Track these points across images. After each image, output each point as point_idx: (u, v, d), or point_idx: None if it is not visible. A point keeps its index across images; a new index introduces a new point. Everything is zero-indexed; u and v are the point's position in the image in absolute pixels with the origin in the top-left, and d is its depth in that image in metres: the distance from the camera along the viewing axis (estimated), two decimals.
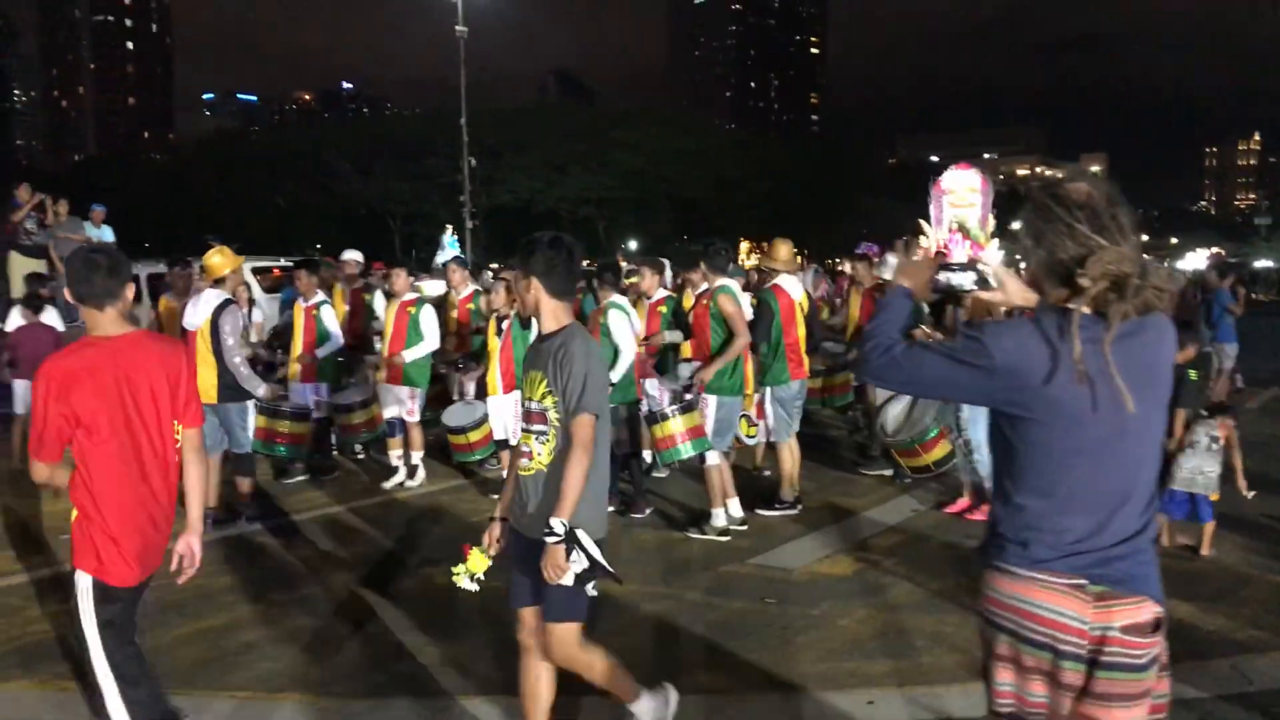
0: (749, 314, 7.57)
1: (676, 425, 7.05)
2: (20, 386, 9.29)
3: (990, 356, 2.38)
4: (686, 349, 8.66)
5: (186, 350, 4.00)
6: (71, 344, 3.48)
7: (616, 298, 7.76)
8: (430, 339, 8.73)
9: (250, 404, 7.51)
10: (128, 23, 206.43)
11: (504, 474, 8.17)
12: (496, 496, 7.86)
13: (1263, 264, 71.71)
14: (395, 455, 8.85)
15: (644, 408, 8.43)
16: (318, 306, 9.06)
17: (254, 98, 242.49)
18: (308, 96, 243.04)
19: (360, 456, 9.89)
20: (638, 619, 5.50)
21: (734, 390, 7.37)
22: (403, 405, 8.72)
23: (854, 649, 5.06)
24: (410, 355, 8.59)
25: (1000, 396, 2.43)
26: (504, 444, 8.28)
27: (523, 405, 3.75)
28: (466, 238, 37.37)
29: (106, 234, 15.59)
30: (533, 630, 3.71)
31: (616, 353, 7.45)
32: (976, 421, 7.36)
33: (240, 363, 7.26)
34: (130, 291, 3.51)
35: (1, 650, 5.12)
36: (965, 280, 2.72)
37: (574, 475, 3.47)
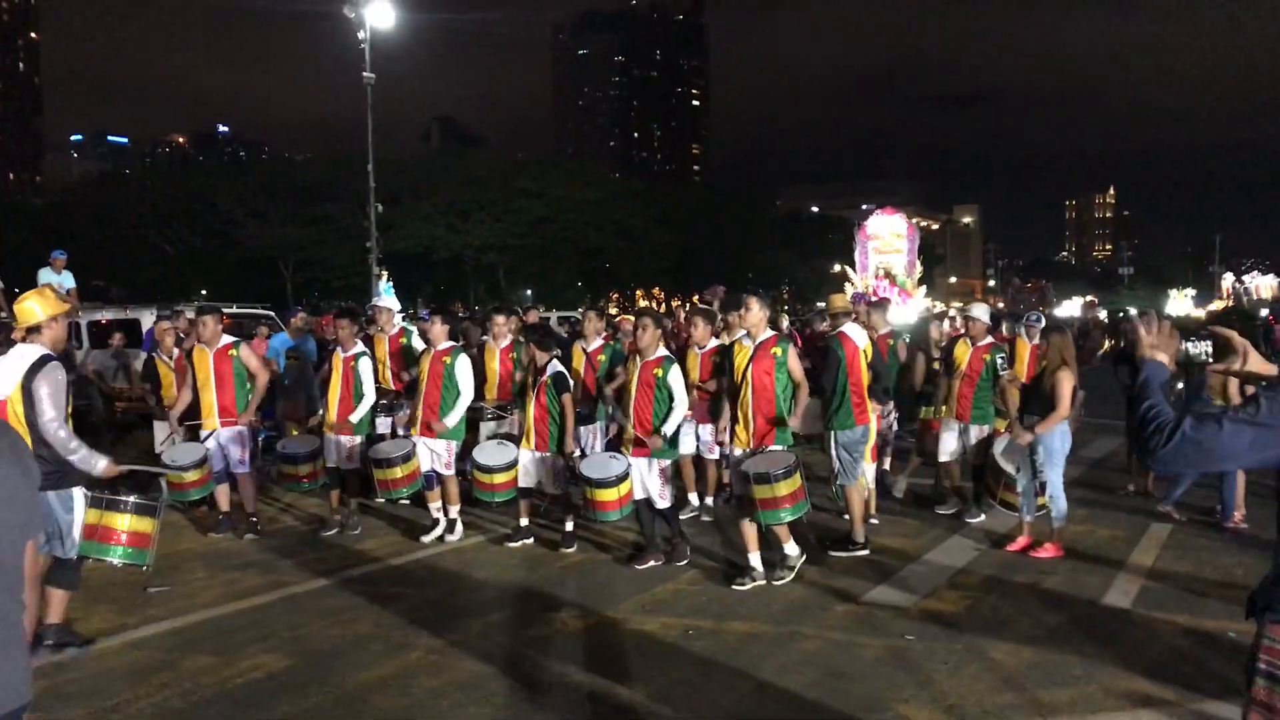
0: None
1: (782, 489, 6.86)
2: None
3: None
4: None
5: None
6: None
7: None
8: (466, 392, 8.66)
9: (78, 493, 5.71)
10: None
11: (521, 522, 8.42)
12: (568, 550, 7.99)
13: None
14: (434, 508, 8.73)
15: (696, 449, 8.92)
16: (356, 358, 8.91)
17: (125, 139, 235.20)
18: (181, 140, 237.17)
19: (405, 502, 9.71)
20: (802, 657, 5.63)
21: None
22: (439, 458, 8.60)
23: (1024, 679, 5.29)
24: (451, 420, 8.54)
25: None
26: (527, 492, 8.40)
27: None
28: (372, 284, 36.86)
29: (68, 280, 15.14)
30: None
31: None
32: (1054, 465, 7.73)
33: (67, 437, 5.50)
34: None
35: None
36: (1202, 349, 2.86)
37: None
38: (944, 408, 9.34)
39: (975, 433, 9.07)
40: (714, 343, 8.93)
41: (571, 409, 8.27)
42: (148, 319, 16.93)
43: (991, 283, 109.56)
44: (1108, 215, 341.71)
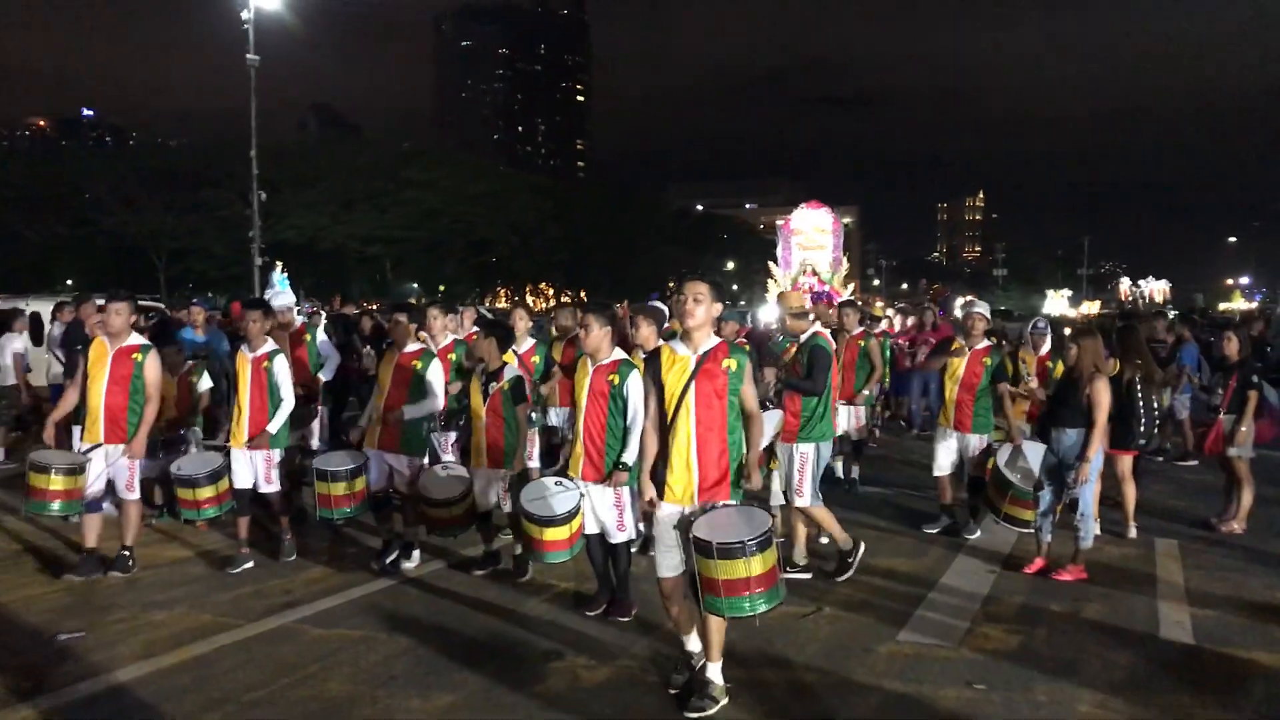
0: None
1: (756, 565, 4.61)
2: None
3: None
4: None
5: None
6: None
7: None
8: (435, 398, 7.59)
9: None
10: None
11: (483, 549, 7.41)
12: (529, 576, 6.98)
13: None
14: (385, 530, 7.64)
15: None
16: (270, 358, 7.62)
17: None
18: (42, 123, 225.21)
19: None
20: (872, 715, 4.81)
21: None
22: (401, 476, 7.54)
23: None
24: (411, 412, 7.44)
25: None
26: (485, 517, 7.31)
27: None
28: (255, 275, 35.10)
29: None
30: None
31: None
32: (1090, 484, 7.11)
33: None
34: None
35: None
36: None
37: None
38: (940, 417, 8.69)
39: (975, 443, 8.42)
40: (661, 344, 7.97)
41: (525, 422, 7.20)
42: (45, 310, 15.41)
43: (876, 282, 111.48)
44: (977, 218, 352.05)
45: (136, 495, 7.39)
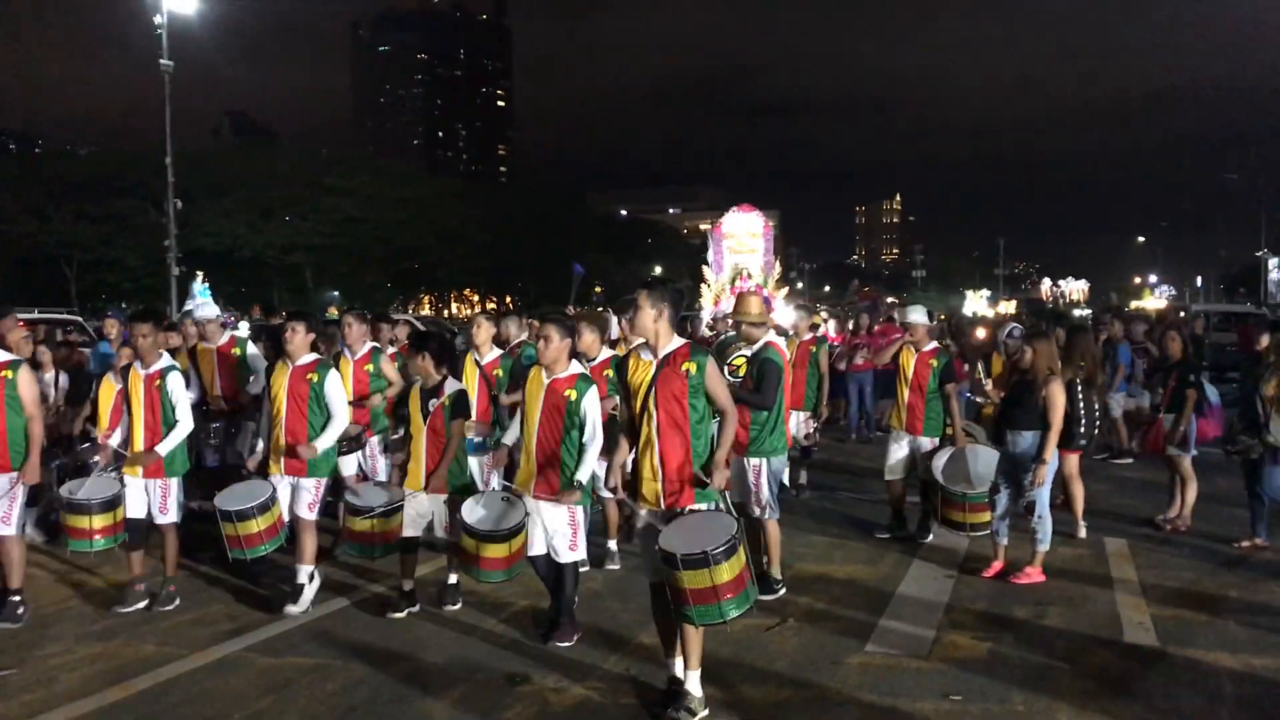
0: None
1: (723, 573, 4.56)
2: None
3: None
4: None
5: None
6: None
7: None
8: (340, 415, 7.00)
9: None
10: None
11: (404, 586, 6.82)
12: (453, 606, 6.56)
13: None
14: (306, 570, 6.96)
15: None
16: (163, 375, 6.90)
17: None
18: None
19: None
20: None
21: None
22: (303, 497, 6.91)
23: None
24: (324, 443, 6.88)
25: None
26: (412, 543, 6.73)
27: None
28: (173, 285, 34.22)
29: None
30: None
31: None
32: (1045, 484, 7.10)
33: None
34: None
35: None
36: None
37: None
38: (893, 420, 8.66)
39: (926, 445, 8.40)
40: (607, 353, 7.61)
41: (460, 439, 6.70)
42: None
43: (800, 285, 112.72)
44: (894, 220, 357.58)
45: (13, 531, 6.48)
